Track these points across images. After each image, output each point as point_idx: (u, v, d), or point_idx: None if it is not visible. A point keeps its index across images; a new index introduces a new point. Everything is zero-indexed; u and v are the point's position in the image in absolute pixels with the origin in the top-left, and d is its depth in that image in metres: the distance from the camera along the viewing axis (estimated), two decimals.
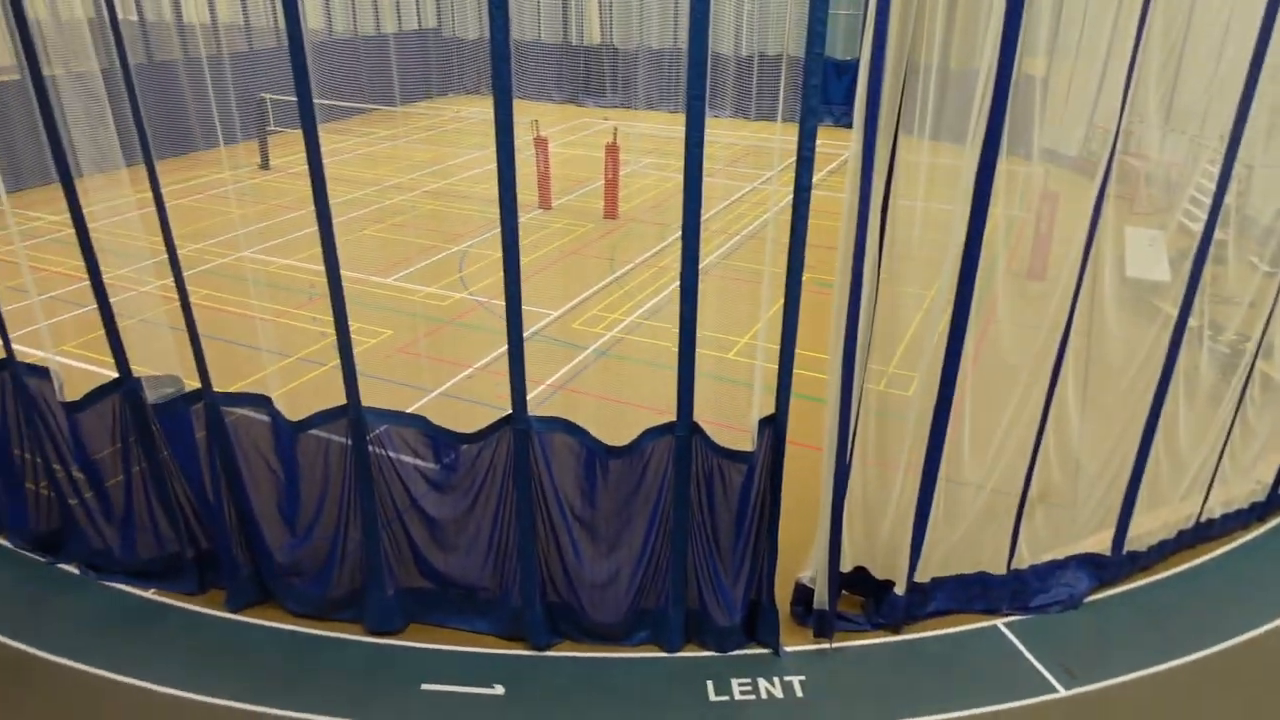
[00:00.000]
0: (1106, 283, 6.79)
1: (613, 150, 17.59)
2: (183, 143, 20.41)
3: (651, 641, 7.06)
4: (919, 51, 5.71)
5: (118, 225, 7.07)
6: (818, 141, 5.51)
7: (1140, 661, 6.92)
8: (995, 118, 5.59)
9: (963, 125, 5.79)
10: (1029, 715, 6.44)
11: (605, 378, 11.51)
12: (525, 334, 6.16)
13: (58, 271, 12.40)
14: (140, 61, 20.94)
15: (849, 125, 5.95)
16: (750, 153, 24.38)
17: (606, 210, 18.08)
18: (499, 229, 5.78)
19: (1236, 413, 7.98)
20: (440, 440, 6.61)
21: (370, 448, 6.56)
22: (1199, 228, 6.84)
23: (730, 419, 6.65)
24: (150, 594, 7.52)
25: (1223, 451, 8.07)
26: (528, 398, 6.30)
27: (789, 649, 6.99)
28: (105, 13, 5.85)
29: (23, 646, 6.94)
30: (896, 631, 7.19)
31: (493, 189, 5.70)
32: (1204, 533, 8.28)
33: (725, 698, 6.57)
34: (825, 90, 26.33)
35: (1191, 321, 7.09)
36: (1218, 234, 6.87)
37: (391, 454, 6.62)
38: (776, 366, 6.15)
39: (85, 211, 6.42)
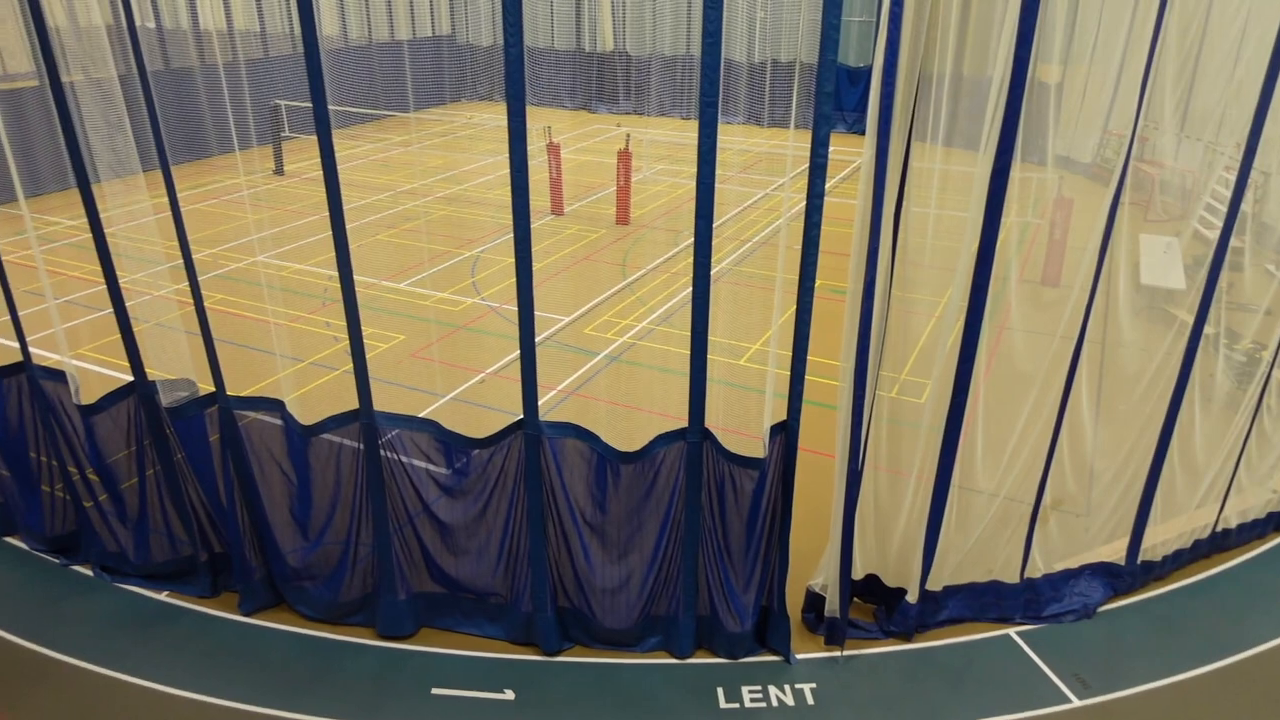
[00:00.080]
0: (1121, 290, 6.76)
1: (625, 156, 17.61)
2: (199, 148, 20.62)
3: (662, 648, 7.04)
4: (932, 58, 5.71)
5: (134, 230, 7.12)
6: (830, 148, 5.52)
7: (1154, 672, 6.86)
8: (1009, 124, 5.57)
9: (976, 131, 5.78)
10: None
11: (617, 383, 11.51)
12: (537, 339, 6.17)
13: (75, 275, 12.53)
14: (157, 68, 21.14)
15: (862, 132, 5.95)
16: (763, 159, 24.36)
17: (619, 216, 18.11)
18: (511, 234, 5.81)
19: (1253, 421, 7.91)
20: (452, 445, 6.63)
21: (382, 452, 6.59)
22: (1214, 234, 6.79)
23: (742, 425, 6.64)
24: (163, 596, 7.57)
25: (1239, 460, 7.99)
26: (539, 403, 6.33)
27: (800, 656, 6.96)
28: (123, 20, 5.91)
29: (37, 648, 7.00)
30: (908, 640, 7.15)
31: (505, 195, 5.73)
32: (1220, 543, 8.20)
33: (736, 705, 6.54)
34: (838, 97, 26.35)
35: (1207, 329, 7.03)
36: (1234, 241, 6.82)
37: (403, 458, 6.64)
38: (788, 373, 6.14)
39: (102, 216, 6.48)
